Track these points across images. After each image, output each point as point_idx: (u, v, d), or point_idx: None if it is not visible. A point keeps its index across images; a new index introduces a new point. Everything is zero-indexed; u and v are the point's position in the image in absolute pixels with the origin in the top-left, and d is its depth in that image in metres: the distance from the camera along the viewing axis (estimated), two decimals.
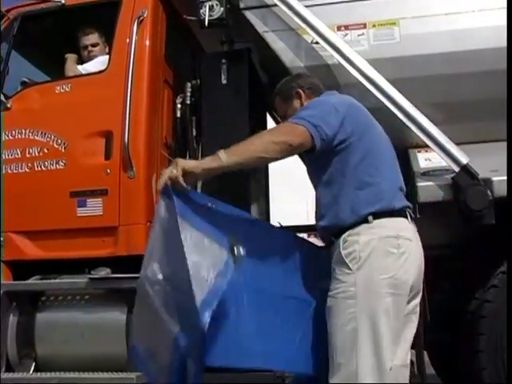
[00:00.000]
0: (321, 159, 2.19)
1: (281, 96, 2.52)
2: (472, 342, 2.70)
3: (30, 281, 3.11)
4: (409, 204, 2.24)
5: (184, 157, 3.36)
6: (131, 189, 3.06)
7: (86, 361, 2.92)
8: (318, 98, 2.36)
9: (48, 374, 2.93)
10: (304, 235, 2.97)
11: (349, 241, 2.08)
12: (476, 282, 2.81)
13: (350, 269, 2.03)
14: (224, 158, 1.95)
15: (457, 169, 2.75)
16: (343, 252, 2.06)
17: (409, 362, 2.12)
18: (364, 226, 2.08)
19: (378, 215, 2.09)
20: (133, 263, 2.96)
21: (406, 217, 2.17)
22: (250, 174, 3.19)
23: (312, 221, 3.54)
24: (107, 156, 3.11)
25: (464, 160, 2.74)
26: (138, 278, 2.83)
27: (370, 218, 2.08)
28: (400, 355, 2.04)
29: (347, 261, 2.04)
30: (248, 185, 3.15)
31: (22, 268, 3.22)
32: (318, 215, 2.28)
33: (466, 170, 2.73)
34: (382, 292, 1.99)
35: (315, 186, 2.32)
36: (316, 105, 2.25)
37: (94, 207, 3.08)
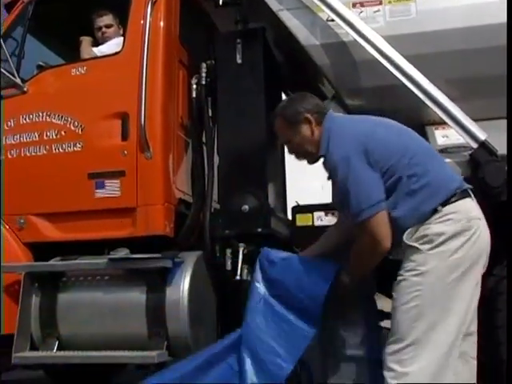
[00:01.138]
0: None
1: (285, 119, 2.40)
2: (490, 318, 2.69)
3: (50, 262, 3.16)
4: (466, 185, 2.24)
5: (200, 137, 3.36)
6: (148, 170, 3.07)
7: (108, 340, 2.96)
8: (338, 155, 2.21)
9: (71, 353, 3.00)
10: (321, 213, 2.98)
11: (419, 230, 2.12)
12: (493, 258, 2.79)
13: (420, 249, 2.08)
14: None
15: (475, 145, 2.73)
16: (413, 237, 2.11)
17: (474, 329, 2.19)
18: (434, 217, 2.11)
19: (444, 204, 2.12)
20: (151, 244, 3.01)
21: (470, 196, 2.20)
22: (266, 154, 3.19)
23: (328, 199, 3.54)
24: (124, 137, 3.13)
25: (482, 136, 2.72)
26: (156, 258, 2.90)
27: (440, 207, 2.11)
28: (468, 325, 2.12)
29: (418, 244, 2.09)
30: (265, 165, 3.16)
31: (42, 250, 3.26)
32: None
33: (484, 146, 2.71)
34: (451, 273, 2.05)
35: None
36: (350, 171, 2.15)
37: (111, 188, 3.10)
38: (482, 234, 2.15)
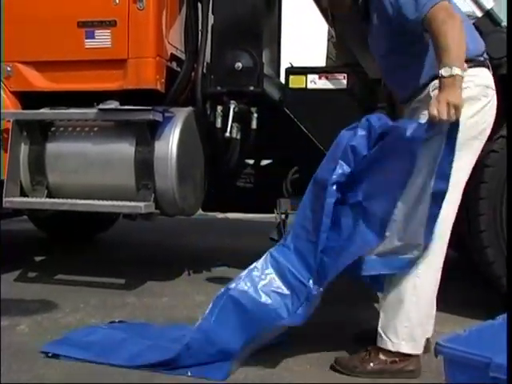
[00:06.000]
0: (407, 25, 2.08)
1: None
2: (475, 190, 2.72)
3: (40, 110, 3.12)
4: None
5: None
6: (140, 21, 2.95)
7: (96, 190, 3.01)
8: None
9: (60, 200, 3.05)
10: (315, 76, 2.92)
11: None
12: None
13: None
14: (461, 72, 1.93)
15: (479, 14, 2.63)
16: (435, 93, 2.03)
17: None
18: None
19: (470, 63, 2.07)
20: (141, 97, 2.97)
21: (488, 67, 2.19)
22: (263, 16, 3.08)
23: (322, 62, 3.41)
24: None
25: (488, 5, 2.62)
26: (146, 110, 2.88)
27: (465, 65, 2.04)
28: None
29: None
30: (260, 25, 3.05)
31: (31, 103, 3.21)
32: (403, 80, 2.24)
33: (489, 15, 2.62)
34: (470, 134, 2.06)
35: (385, 53, 2.25)
36: None
37: (102, 39, 2.99)
38: (493, 106, 2.15)
